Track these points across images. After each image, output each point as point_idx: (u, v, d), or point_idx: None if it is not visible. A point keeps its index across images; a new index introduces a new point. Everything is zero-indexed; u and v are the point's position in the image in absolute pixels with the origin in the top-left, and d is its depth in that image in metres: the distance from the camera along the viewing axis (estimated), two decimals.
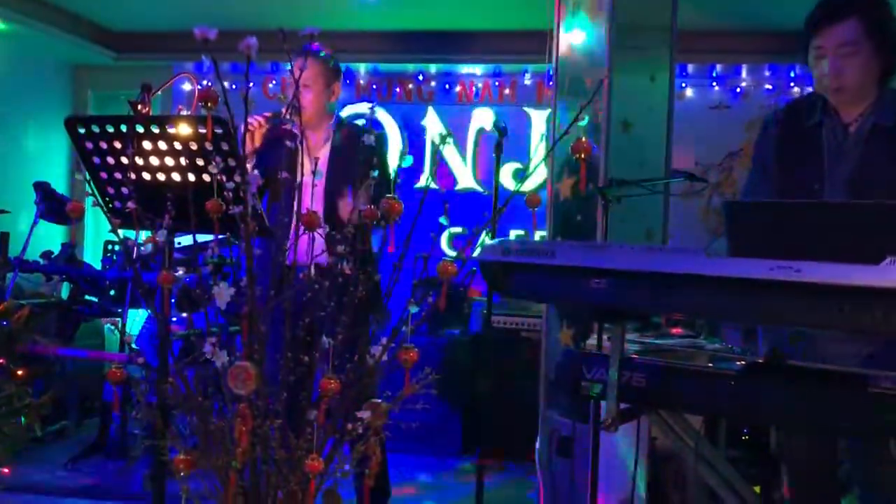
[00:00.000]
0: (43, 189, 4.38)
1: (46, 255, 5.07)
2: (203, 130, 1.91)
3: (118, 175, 2.09)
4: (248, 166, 2.76)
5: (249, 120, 2.83)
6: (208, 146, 1.90)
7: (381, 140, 3.29)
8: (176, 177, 2.03)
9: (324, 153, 3.15)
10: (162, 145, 2.00)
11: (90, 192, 2.09)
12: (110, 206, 2.13)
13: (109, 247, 5.25)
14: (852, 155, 2.24)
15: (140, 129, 1.99)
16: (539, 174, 4.78)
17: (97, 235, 6.22)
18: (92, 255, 6.12)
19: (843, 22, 2.19)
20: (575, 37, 3.49)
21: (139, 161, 2.02)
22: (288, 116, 2.90)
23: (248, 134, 2.90)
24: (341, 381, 1.67)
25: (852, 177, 2.20)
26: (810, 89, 5.68)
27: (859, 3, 2.20)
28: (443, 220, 5.46)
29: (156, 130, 1.99)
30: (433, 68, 5.82)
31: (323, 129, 3.19)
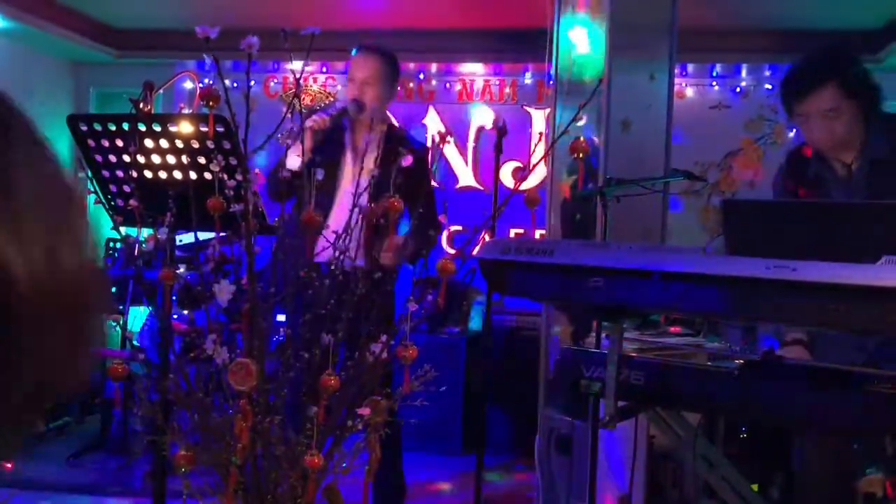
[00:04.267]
0: None
1: None
2: (205, 129, 1.92)
3: (120, 173, 2.10)
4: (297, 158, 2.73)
5: (310, 122, 2.81)
6: (210, 144, 1.91)
7: (426, 153, 3.27)
8: (177, 175, 2.04)
9: (371, 157, 3.12)
10: (164, 143, 2.01)
11: (92, 189, 2.10)
12: (112, 203, 2.14)
13: (111, 244, 5.26)
14: (857, 190, 2.29)
15: (142, 128, 2.00)
16: (539, 173, 4.79)
17: (98, 233, 6.23)
18: None
19: (821, 89, 2.26)
20: (574, 35, 3.50)
21: (141, 159, 2.04)
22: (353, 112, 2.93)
23: (308, 132, 2.81)
24: (343, 378, 1.68)
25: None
26: None
27: (834, 69, 2.28)
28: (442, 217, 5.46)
29: (158, 129, 2.00)
30: (433, 67, 5.83)
31: (375, 131, 3.10)
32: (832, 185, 2.35)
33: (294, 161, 2.62)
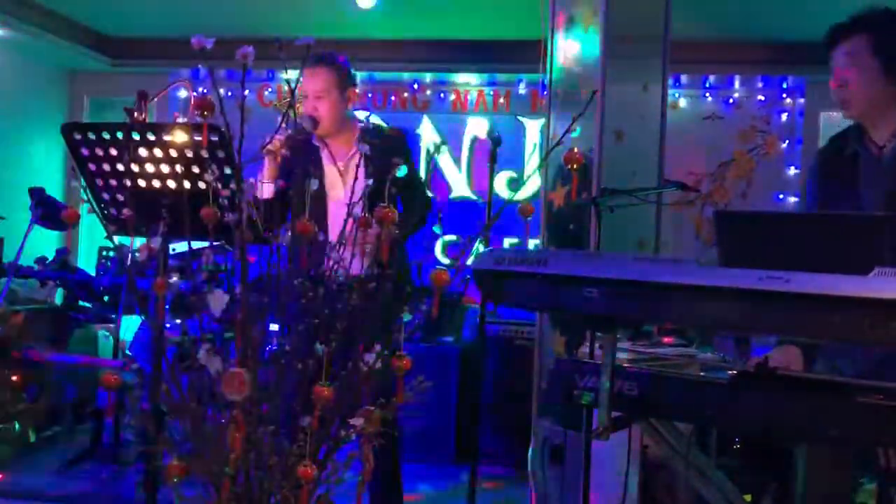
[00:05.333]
0: (38, 195, 4.38)
1: (41, 260, 5.06)
2: (199, 138, 1.92)
3: (114, 182, 2.10)
4: (270, 186, 2.67)
5: (269, 147, 2.76)
6: (204, 154, 1.91)
7: (407, 140, 3.25)
8: (171, 184, 2.04)
9: (353, 163, 3.11)
10: (158, 153, 2.01)
11: (86, 198, 2.10)
12: (105, 212, 2.13)
13: (104, 253, 5.25)
14: (888, 176, 2.22)
15: (136, 137, 2.00)
16: (533, 183, 4.81)
17: (91, 241, 6.21)
18: (86, 261, 6.12)
19: (850, 38, 2.22)
20: (569, 46, 3.51)
21: (135, 168, 2.03)
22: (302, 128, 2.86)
23: (270, 157, 2.80)
24: (337, 388, 1.68)
25: (887, 198, 2.17)
26: (802, 100, 5.71)
27: (867, 20, 2.22)
28: (436, 228, 5.46)
29: (152, 138, 2.00)
30: (428, 77, 5.85)
31: (346, 137, 3.12)
32: (864, 163, 2.27)
33: (268, 189, 2.58)
